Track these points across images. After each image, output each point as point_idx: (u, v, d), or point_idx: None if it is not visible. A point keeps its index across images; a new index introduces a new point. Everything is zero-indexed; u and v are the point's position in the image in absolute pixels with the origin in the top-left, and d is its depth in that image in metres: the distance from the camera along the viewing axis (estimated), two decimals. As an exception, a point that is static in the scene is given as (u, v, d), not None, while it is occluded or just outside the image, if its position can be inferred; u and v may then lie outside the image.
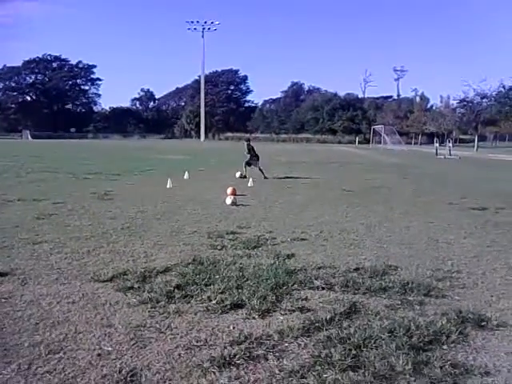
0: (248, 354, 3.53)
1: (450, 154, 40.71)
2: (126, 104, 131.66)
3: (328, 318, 4.19)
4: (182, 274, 5.33)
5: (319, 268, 5.77)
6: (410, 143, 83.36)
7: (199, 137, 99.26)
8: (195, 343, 3.73)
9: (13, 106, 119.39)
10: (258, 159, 17.66)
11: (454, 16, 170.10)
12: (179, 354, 3.55)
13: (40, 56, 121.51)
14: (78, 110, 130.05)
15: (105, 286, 5.00)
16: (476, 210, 10.72)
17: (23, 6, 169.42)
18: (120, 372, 3.25)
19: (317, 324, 4.08)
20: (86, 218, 8.83)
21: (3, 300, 4.55)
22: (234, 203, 10.56)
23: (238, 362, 3.43)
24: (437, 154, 41.85)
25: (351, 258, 6.34)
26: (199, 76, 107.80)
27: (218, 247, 6.74)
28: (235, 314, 4.32)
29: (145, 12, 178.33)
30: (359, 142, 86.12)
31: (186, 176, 16.43)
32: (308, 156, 38.46)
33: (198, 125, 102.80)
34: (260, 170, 17.28)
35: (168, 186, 13.74)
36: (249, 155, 17.49)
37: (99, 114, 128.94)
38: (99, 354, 3.52)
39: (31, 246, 6.62)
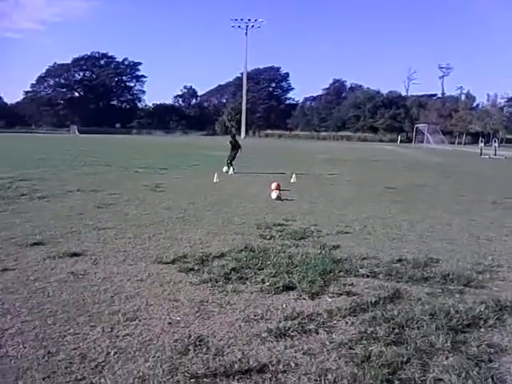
0: (301, 328, 3.95)
1: (496, 154, 39.77)
2: (169, 101, 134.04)
3: (373, 301, 4.56)
4: (237, 259, 5.80)
5: (363, 258, 6.12)
6: (454, 143, 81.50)
7: (240, 134, 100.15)
8: (253, 317, 4.18)
9: (62, 102, 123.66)
10: (234, 155, 17.81)
11: (499, 12, 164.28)
12: (239, 325, 4.01)
13: (88, 53, 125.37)
14: (123, 106, 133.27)
15: (168, 267, 5.53)
16: (520, 210, 10.75)
17: (72, 5, 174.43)
18: (189, 337, 3.73)
19: (362, 306, 4.46)
20: (142, 207, 9.45)
21: (80, 276, 5.13)
22: (279, 197, 10.99)
23: (292, 334, 3.86)
24: (481, 153, 40.97)
25: (394, 250, 6.66)
26: (241, 73, 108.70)
27: (267, 237, 7.18)
28: (287, 295, 4.75)
29: (188, 9, 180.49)
30: (401, 141, 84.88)
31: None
32: (350, 154, 38.43)
33: (238, 122, 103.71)
34: (228, 163, 17.66)
35: (214, 181, 14.30)
36: (233, 150, 17.78)
37: (143, 110, 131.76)
38: (170, 323, 4.02)
39: (96, 231, 7.25)
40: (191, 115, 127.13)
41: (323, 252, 6.34)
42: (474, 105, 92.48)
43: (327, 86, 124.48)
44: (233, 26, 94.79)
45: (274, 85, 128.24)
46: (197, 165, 21.46)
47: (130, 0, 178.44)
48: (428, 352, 3.59)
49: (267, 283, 5.02)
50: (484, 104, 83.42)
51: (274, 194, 11.16)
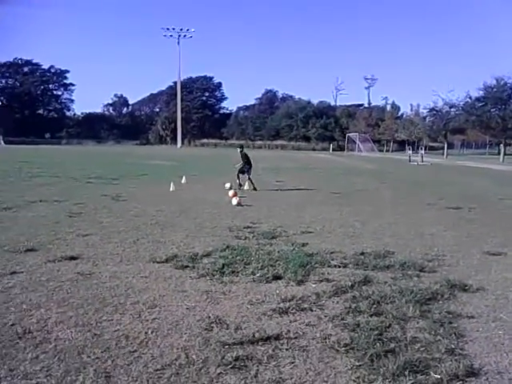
0: (297, 307, 4.75)
1: (423, 161, 42.80)
2: (99, 109, 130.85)
3: (349, 285, 5.44)
4: (223, 257, 6.51)
5: (331, 253, 7.02)
6: (382, 150, 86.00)
7: (175, 143, 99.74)
8: (255, 301, 4.92)
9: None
10: (250, 167, 16.81)
11: (422, 26, 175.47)
12: (247, 307, 4.74)
13: (10, 60, 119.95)
14: (50, 115, 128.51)
15: (164, 266, 6.15)
16: (452, 210, 12.18)
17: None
18: (209, 318, 4.42)
19: (342, 289, 5.33)
20: (113, 215, 9.88)
21: (87, 276, 5.65)
22: (239, 204, 11.75)
23: (292, 311, 4.64)
24: (410, 160, 43.90)
25: (354, 245, 7.62)
26: (174, 82, 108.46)
27: (242, 238, 7.94)
28: (277, 283, 5.54)
29: (119, 18, 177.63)
30: (333, 149, 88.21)
31: (183, 180, 17.50)
32: (288, 162, 39.90)
33: (173, 131, 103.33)
34: (250, 180, 16.39)
35: (171, 189, 14.82)
36: (242, 163, 16.81)
37: (72, 119, 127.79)
38: (187, 308, 4.69)
39: (81, 237, 7.69)
40: (123, 124, 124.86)
41: (296, 248, 7.19)
42: (399, 114, 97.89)
43: (260, 95, 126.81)
44: (165, 35, 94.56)
45: (207, 94, 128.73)
46: (145, 174, 21.76)
47: (56, 5, 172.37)
48: (403, 319, 4.49)
49: (257, 274, 5.77)
50: (408, 113, 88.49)
51: (234, 201, 11.92)
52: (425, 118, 75.23)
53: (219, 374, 3.39)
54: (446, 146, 67.98)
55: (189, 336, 4.02)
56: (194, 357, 3.64)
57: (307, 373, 3.45)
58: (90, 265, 6.11)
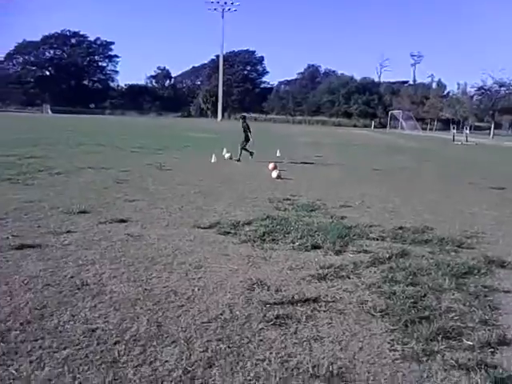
0: (335, 274, 4.94)
1: (467, 141, 41.65)
2: (142, 81, 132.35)
3: (387, 256, 5.58)
4: (264, 226, 6.74)
5: (370, 226, 7.14)
6: (426, 129, 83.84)
7: (215, 116, 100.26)
8: (294, 267, 5.14)
9: (32, 80, 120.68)
10: (248, 140, 16.32)
11: (473, 3, 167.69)
12: (286, 272, 4.96)
13: (59, 31, 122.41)
14: (95, 86, 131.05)
15: (207, 231, 6.44)
16: (494, 189, 12.01)
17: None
18: (251, 279, 4.67)
19: (379, 260, 5.47)
20: (158, 183, 10.27)
21: (137, 237, 5.99)
22: (279, 176, 11.93)
23: (329, 278, 4.84)
24: (454, 139, 42.80)
25: (393, 220, 7.71)
26: (216, 56, 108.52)
27: (282, 209, 8.14)
28: (315, 252, 5.73)
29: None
30: (375, 127, 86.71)
31: (224, 152, 17.77)
32: (329, 138, 39.63)
33: (214, 104, 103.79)
34: (240, 149, 16.27)
35: (212, 161, 15.13)
36: (244, 134, 16.37)
37: (115, 90, 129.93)
38: (230, 270, 4.95)
39: (129, 202, 8.08)
40: (165, 96, 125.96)
41: (334, 221, 7.34)
42: (445, 93, 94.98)
43: (302, 70, 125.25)
44: (209, 9, 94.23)
45: (249, 68, 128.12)
46: (188, 146, 22.19)
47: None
48: (438, 290, 4.61)
49: (297, 243, 5.98)
50: (454, 92, 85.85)
51: (274, 173, 12.10)
52: (472, 96, 72.80)
53: (261, 329, 3.64)
54: (492, 125, 65.76)
55: (232, 295, 4.28)
56: (237, 313, 3.90)
57: (344, 333, 3.66)
58: (139, 227, 6.46)
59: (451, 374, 3.15)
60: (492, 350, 3.49)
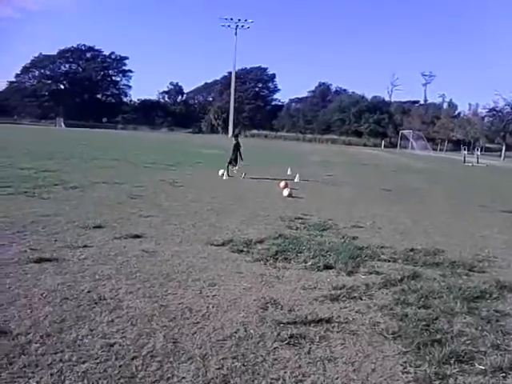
0: (348, 295, 4.99)
1: (478, 162, 41.56)
2: (154, 97, 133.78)
3: (398, 278, 5.63)
4: (276, 244, 6.82)
5: (381, 247, 7.18)
6: (436, 149, 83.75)
7: (226, 132, 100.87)
8: (307, 286, 5.20)
9: (46, 93, 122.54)
10: (236, 158, 16.63)
11: (484, 23, 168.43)
12: (299, 292, 5.03)
13: (75, 46, 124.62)
14: (108, 100, 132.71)
15: (220, 248, 6.52)
16: (506, 213, 11.99)
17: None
18: (264, 298, 4.74)
19: (391, 282, 5.52)
20: (171, 199, 10.40)
21: (152, 253, 6.09)
22: (290, 195, 12.02)
23: (342, 299, 4.89)
24: (464, 161, 42.72)
25: (405, 242, 7.75)
26: (228, 72, 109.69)
27: (294, 228, 8.22)
28: (328, 272, 5.78)
29: (177, 6, 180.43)
30: (385, 146, 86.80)
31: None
32: (339, 157, 39.75)
33: (225, 121, 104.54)
34: (228, 166, 16.41)
35: (224, 178, 15.26)
36: (233, 153, 16.58)
37: (128, 105, 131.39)
38: (244, 288, 5.03)
39: (143, 218, 8.19)
40: (177, 112, 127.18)
41: (346, 241, 7.40)
42: (456, 113, 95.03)
43: (313, 88, 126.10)
44: (222, 25, 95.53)
45: (260, 85, 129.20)
46: (200, 162, 22.38)
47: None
48: (450, 313, 4.65)
49: (309, 263, 6.04)
50: (465, 113, 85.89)
51: (285, 192, 12.20)
52: (483, 118, 72.77)
53: (275, 348, 3.70)
54: (504, 147, 65.53)
55: (246, 313, 4.35)
56: (252, 331, 3.96)
57: (357, 354, 3.71)
58: (153, 244, 6.56)
59: (463, 398, 3.19)
60: (504, 374, 3.51)
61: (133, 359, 3.38)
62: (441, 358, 3.64)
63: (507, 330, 4.36)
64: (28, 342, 3.51)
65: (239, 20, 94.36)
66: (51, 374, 3.11)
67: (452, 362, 3.61)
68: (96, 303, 4.33)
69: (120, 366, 3.27)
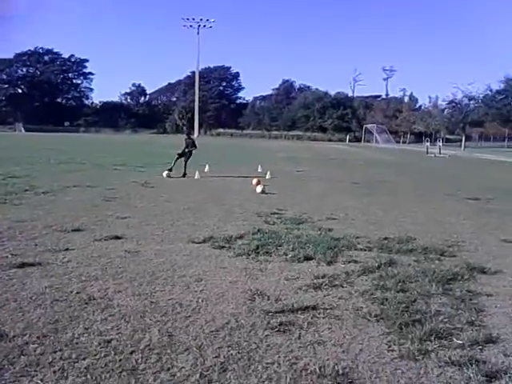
0: (329, 283, 5.20)
1: (440, 153, 42.80)
2: (116, 98, 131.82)
3: (376, 265, 5.88)
4: (256, 239, 6.98)
5: (356, 237, 7.45)
6: (399, 142, 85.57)
7: (193, 132, 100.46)
8: (290, 277, 5.39)
9: (3, 98, 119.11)
10: (190, 154, 16.99)
11: (442, 18, 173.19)
12: (283, 283, 5.21)
13: (32, 49, 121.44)
14: (69, 103, 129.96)
15: (202, 246, 6.65)
16: (470, 200, 12.51)
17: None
18: (251, 290, 4.89)
19: (369, 269, 5.76)
20: (146, 201, 10.43)
21: (134, 253, 6.16)
22: (263, 191, 12.21)
23: (324, 287, 5.10)
24: (427, 152, 43.94)
25: (378, 231, 8.04)
26: (192, 72, 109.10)
27: (271, 222, 8.41)
28: (308, 263, 5.99)
29: (138, 7, 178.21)
30: (350, 140, 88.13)
31: (206, 169, 18.00)
32: (306, 153, 40.23)
33: (190, 120, 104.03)
34: (185, 165, 16.51)
35: (196, 177, 15.35)
36: (186, 150, 16.90)
37: (90, 107, 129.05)
38: (230, 282, 5.18)
39: (121, 219, 8.22)
40: (140, 113, 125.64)
41: (323, 233, 7.64)
42: (417, 106, 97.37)
43: (277, 86, 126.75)
44: (184, 26, 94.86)
45: (224, 84, 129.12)
46: (169, 162, 22.22)
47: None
48: (427, 295, 4.92)
49: (289, 255, 6.24)
50: (426, 106, 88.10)
51: (259, 188, 12.38)
52: (443, 110, 74.90)
53: (267, 335, 3.87)
54: (463, 138, 67.64)
55: (235, 305, 4.50)
56: (242, 321, 4.12)
57: (344, 336, 3.91)
58: (135, 244, 6.63)
59: (446, 369, 3.43)
60: (480, 347, 3.78)
61: (131, 353, 3.49)
62: (422, 335, 3.88)
63: (480, 307, 4.65)
64: (25, 343, 3.57)
65: (201, 20, 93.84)
66: (54, 372, 3.19)
67: (432, 338, 3.85)
68: (87, 303, 4.40)
69: (120, 360, 3.37)
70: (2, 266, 5.39)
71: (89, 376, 3.15)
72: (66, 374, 3.17)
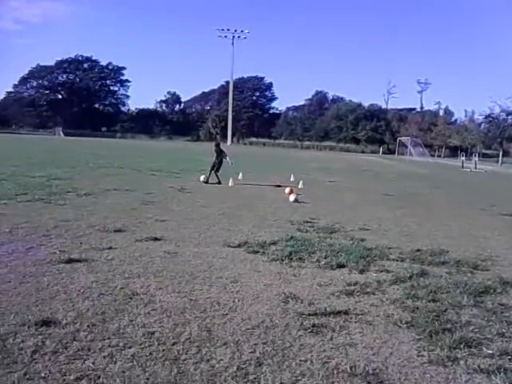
0: (361, 291, 5.35)
1: (476, 168, 42.06)
2: (151, 106, 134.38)
3: (408, 276, 5.98)
4: (289, 246, 7.17)
5: (389, 248, 7.54)
6: (434, 156, 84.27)
7: (224, 141, 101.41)
8: (323, 283, 5.56)
9: (45, 103, 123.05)
10: (220, 164, 16.98)
11: (479, 31, 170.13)
12: (316, 288, 5.38)
13: (72, 56, 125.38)
14: (106, 109, 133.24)
15: (237, 250, 6.88)
16: (505, 216, 12.37)
17: (48, 7, 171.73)
18: (285, 293, 5.08)
19: (401, 279, 5.88)
20: (183, 205, 10.76)
21: (173, 254, 6.44)
22: (296, 200, 12.39)
23: (356, 294, 5.25)
24: (463, 166, 43.24)
25: (410, 243, 8.11)
26: (226, 81, 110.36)
27: (303, 230, 8.58)
28: (340, 271, 6.14)
29: (175, 17, 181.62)
30: (383, 153, 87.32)
31: (240, 177, 18.31)
32: (339, 163, 40.18)
33: (223, 129, 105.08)
34: (215, 172, 16.66)
35: (230, 185, 15.65)
36: (216, 160, 16.99)
37: (126, 114, 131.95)
38: (264, 285, 5.38)
39: (159, 222, 8.55)
40: (175, 121, 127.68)
41: (355, 242, 7.76)
42: (452, 120, 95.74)
43: (310, 96, 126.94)
44: (219, 36, 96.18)
45: (258, 94, 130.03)
46: (204, 169, 22.67)
47: (112, 6, 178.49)
48: (458, 306, 5.01)
49: (322, 262, 6.40)
50: (462, 119, 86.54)
51: (292, 197, 12.57)
52: (480, 124, 73.45)
53: (300, 335, 4.05)
54: (501, 153, 66.14)
55: (270, 306, 4.70)
56: (277, 321, 4.32)
57: (374, 340, 4.06)
58: (173, 245, 6.91)
59: (474, 376, 3.54)
60: (510, 357, 3.86)
61: (173, 345, 3.73)
62: (451, 343, 3.99)
63: (511, 320, 4.71)
64: (77, 330, 3.86)
65: (235, 31, 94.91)
66: (104, 357, 3.46)
67: (462, 346, 3.96)
68: (131, 298, 4.68)
69: (163, 350, 3.61)
70: (52, 261, 5.74)
71: (135, 362, 3.40)
72: (114, 360, 3.43)
